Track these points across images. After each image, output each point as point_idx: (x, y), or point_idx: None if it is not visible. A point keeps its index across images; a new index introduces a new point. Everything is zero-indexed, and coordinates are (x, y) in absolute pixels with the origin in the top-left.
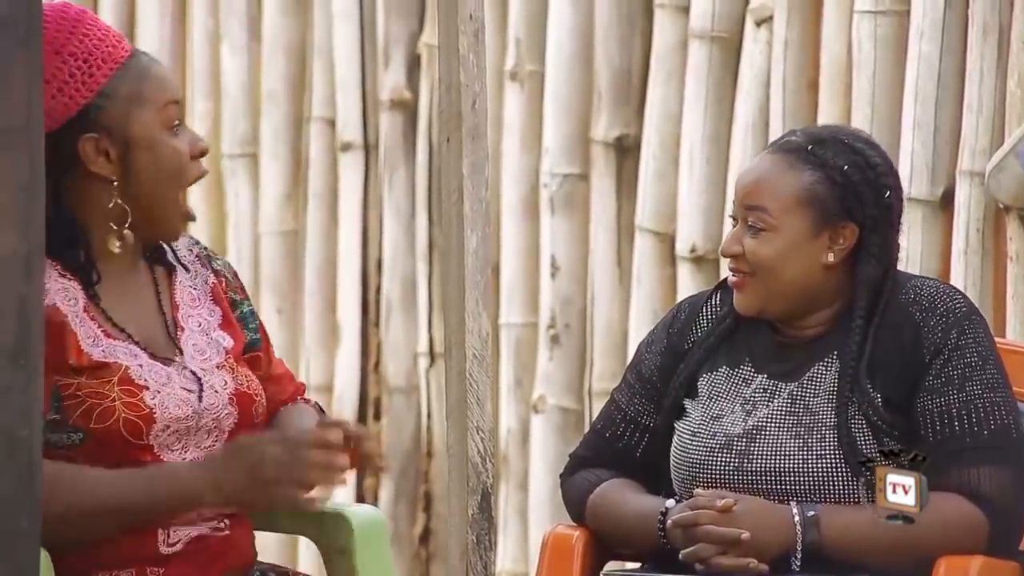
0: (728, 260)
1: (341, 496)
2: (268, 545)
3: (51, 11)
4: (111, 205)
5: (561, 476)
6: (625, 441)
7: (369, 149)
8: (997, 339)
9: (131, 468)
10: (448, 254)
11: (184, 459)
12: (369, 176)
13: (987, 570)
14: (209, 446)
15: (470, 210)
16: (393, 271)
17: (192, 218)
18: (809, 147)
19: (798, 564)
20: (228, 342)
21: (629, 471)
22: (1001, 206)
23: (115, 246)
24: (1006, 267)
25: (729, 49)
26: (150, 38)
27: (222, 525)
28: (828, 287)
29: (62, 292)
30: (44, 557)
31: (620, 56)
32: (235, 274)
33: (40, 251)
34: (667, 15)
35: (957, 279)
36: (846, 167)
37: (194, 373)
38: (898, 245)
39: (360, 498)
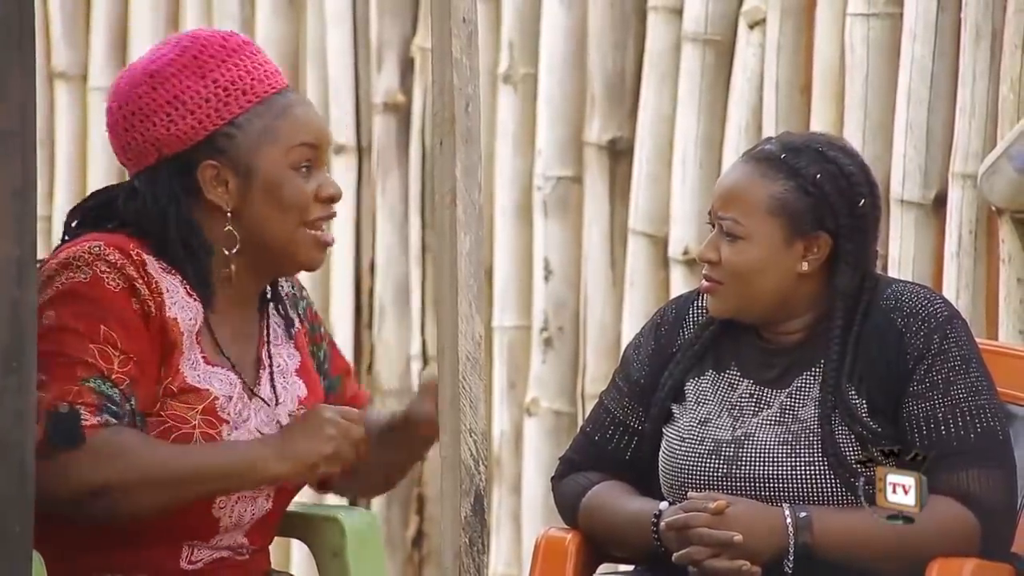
0: (703, 266)
1: (334, 499)
2: None
3: (211, 36)
4: (225, 229)
5: (552, 479)
6: (614, 444)
7: (362, 152)
8: (990, 342)
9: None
10: (441, 257)
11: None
12: (362, 179)
13: (980, 572)
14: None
15: (463, 213)
16: (386, 274)
17: (328, 244)
18: (783, 156)
19: (791, 566)
20: (303, 390)
21: (619, 474)
22: (993, 209)
23: (221, 272)
24: (998, 269)
25: (722, 52)
26: (143, 41)
27: (244, 551)
28: (804, 295)
29: (184, 309)
30: (37, 560)
31: (613, 59)
32: (315, 314)
33: (33, 255)
34: (660, 18)
35: (949, 281)
36: (818, 176)
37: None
38: (875, 252)
39: (353, 501)
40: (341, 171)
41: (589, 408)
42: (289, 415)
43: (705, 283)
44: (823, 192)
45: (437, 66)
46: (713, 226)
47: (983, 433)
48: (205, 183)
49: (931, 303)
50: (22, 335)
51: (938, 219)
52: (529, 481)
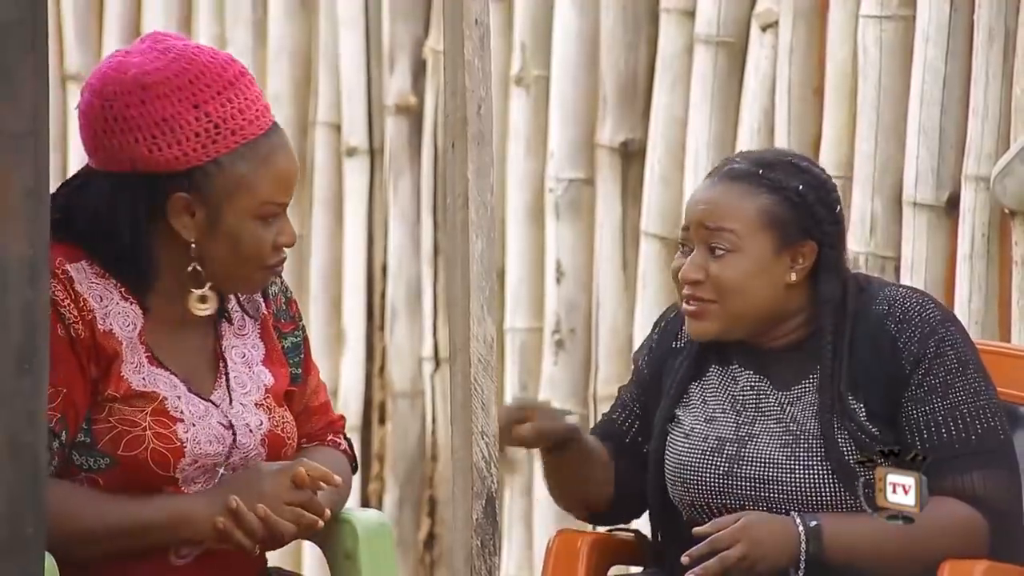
0: (685, 287)
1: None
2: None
3: (213, 62)
4: (189, 270)
5: None
6: (619, 423)
7: (374, 154)
8: (1003, 344)
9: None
10: (453, 259)
11: None
12: (374, 181)
13: (991, 574)
14: None
15: (475, 215)
16: (398, 276)
17: (277, 274)
18: (759, 171)
19: (802, 574)
20: (269, 379)
21: (618, 450)
22: (1006, 211)
23: (198, 309)
24: (1011, 272)
25: (734, 54)
26: None
27: None
28: (790, 306)
29: (121, 316)
30: (50, 562)
31: (625, 61)
32: (289, 300)
33: (45, 256)
34: (673, 20)
35: (962, 284)
36: (800, 187)
37: (228, 416)
38: (847, 258)
39: (365, 503)
40: (353, 173)
41: (601, 410)
42: (256, 405)
43: (689, 307)
44: (807, 202)
45: (449, 68)
46: (685, 245)
47: (984, 434)
48: (173, 212)
49: (923, 308)
50: (35, 336)
51: (951, 221)
52: (540, 483)
